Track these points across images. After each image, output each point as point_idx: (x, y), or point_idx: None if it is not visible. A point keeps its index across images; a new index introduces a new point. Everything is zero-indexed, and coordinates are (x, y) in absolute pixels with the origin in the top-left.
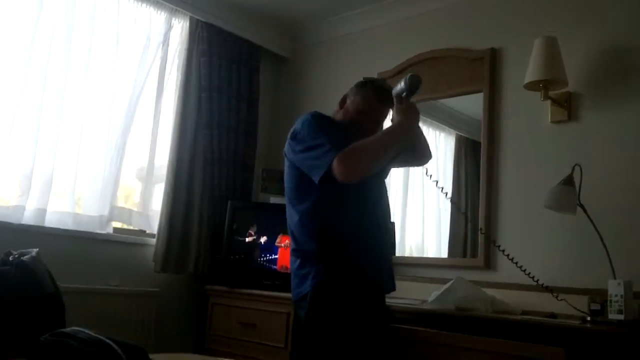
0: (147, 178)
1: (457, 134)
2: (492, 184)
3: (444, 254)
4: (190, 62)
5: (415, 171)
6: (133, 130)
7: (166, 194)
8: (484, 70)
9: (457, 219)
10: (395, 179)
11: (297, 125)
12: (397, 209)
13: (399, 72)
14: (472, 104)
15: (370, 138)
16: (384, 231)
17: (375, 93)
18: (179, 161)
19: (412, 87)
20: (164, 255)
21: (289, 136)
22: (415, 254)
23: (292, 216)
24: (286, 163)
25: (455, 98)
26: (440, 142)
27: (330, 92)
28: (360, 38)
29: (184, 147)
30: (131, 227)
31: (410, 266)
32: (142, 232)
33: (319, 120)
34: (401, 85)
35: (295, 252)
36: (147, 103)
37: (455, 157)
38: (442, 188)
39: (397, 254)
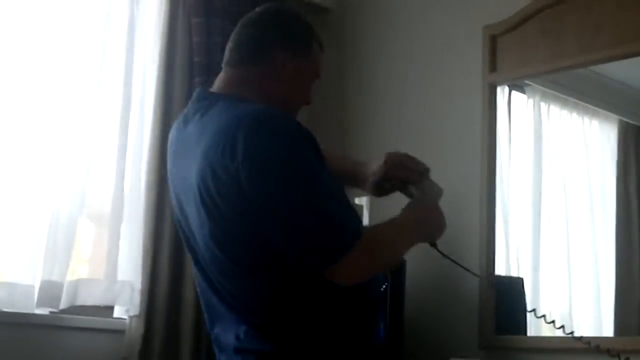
0: (112, 216)
1: (620, 121)
2: None
3: (607, 331)
4: (174, 28)
5: (551, 187)
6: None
7: (144, 242)
8: None
9: (628, 270)
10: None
11: (255, 148)
12: (525, 253)
13: (520, 23)
14: None
15: (392, 224)
16: None
17: (319, 42)
18: (160, 184)
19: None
20: (141, 350)
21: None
22: (559, 333)
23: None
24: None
25: (620, 62)
26: (593, 135)
27: (399, 60)
28: None
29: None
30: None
31: (549, 353)
32: (104, 310)
33: (306, 140)
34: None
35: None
36: (106, 95)
37: (620, 159)
38: (562, 327)
39: (529, 332)
